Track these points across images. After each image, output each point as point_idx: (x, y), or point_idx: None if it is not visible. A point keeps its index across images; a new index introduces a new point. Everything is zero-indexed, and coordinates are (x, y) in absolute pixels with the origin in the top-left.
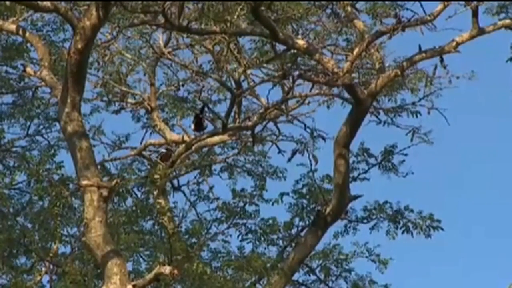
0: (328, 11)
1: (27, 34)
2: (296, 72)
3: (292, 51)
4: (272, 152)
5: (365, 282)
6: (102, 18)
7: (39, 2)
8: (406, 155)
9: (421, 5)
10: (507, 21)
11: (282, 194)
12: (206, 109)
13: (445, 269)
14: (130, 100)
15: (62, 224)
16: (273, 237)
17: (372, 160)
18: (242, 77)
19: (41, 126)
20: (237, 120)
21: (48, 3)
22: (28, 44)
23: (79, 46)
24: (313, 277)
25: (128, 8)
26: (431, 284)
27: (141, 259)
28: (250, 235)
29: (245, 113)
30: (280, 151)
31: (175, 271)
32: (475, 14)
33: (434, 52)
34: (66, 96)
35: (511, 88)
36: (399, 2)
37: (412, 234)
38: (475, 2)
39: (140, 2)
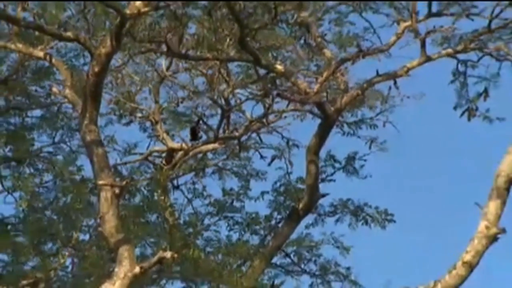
0: (301, 41)
1: (53, 59)
2: (275, 92)
3: (272, 74)
4: (255, 158)
5: (331, 265)
6: (115, 46)
7: (62, 33)
8: (365, 160)
9: (379, 37)
10: (450, 50)
11: (263, 193)
12: (200, 122)
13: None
14: (138, 114)
15: (82, 216)
16: (256, 228)
17: (337, 165)
18: (231, 96)
19: (65, 136)
20: (226, 131)
21: (70, 34)
22: (54, 68)
23: (96, 69)
24: (288, 261)
25: (137, 38)
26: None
27: (147, 246)
28: (236, 226)
29: (233, 125)
30: (261, 157)
31: (175, 256)
32: (423, 44)
33: (389, 76)
34: (85, 111)
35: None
36: (360, 34)
37: (370, 225)
38: (423, 35)
39: (147, 33)
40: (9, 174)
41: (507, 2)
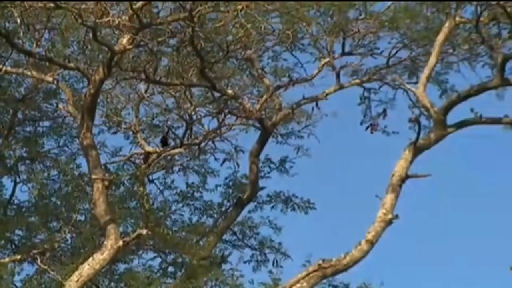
0: (247, 72)
1: (59, 83)
2: (227, 110)
3: (224, 97)
4: (210, 160)
5: (267, 241)
6: (106, 74)
7: (67, 63)
8: (294, 162)
9: (305, 70)
10: (358, 80)
11: (216, 186)
12: (169, 132)
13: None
14: (123, 126)
15: (79, 202)
16: (210, 213)
17: (272, 165)
18: (193, 113)
19: (67, 141)
20: (189, 139)
21: (72, 64)
22: (60, 90)
23: (92, 91)
24: (234, 237)
25: (123, 68)
26: (308, 243)
27: (128, 225)
28: (196, 211)
29: (194, 135)
30: (215, 159)
31: (149, 233)
32: (337, 76)
33: (312, 99)
34: (83, 122)
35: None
36: (291, 67)
37: (296, 211)
38: (337, 68)
39: (130, 65)
40: (24, 170)
41: (401, 45)
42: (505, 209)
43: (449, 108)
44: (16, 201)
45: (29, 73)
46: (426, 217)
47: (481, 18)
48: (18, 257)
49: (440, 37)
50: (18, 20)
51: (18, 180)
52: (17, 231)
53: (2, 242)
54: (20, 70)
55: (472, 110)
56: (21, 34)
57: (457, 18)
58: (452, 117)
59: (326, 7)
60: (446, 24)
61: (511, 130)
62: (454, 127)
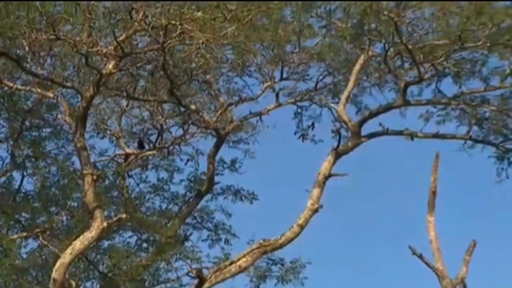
0: (206, 92)
1: (59, 98)
2: (190, 121)
3: (188, 111)
4: (177, 160)
5: (220, 224)
6: (96, 92)
7: (65, 83)
8: (242, 163)
9: (251, 91)
10: (292, 100)
11: (181, 180)
12: (145, 138)
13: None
14: (108, 132)
15: (73, 192)
16: (176, 201)
17: (225, 165)
18: (164, 123)
19: (64, 144)
20: (160, 144)
21: (69, 84)
22: (59, 103)
23: (84, 105)
24: (195, 221)
25: (109, 87)
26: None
27: (111, 210)
28: (165, 200)
29: (165, 140)
30: (181, 159)
31: (128, 216)
32: (277, 96)
33: (257, 114)
34: (77, 129)
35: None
36: (240, 89)
37: (243, 201)
38: (277, 90)
39: (115, 84)
40: (30, 166)
41: (326, 73)
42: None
43: (363, 122)
44: (23, 190)
45: (34, 90)
46: (347, 206)
47: (388, 53)
48: (24, 234)
49: (357, 67)
50: (27, 48)
51: (25, 174)
52: (23, 214)
53: (12, 222)
54: (28, 88)
55: (380, 124)
56: (29, 59)
57: (370, 53)
58: (366, 129)
59: (268, 42)
60: (361, 57)
61: (410, 140)
62: (366, 137)
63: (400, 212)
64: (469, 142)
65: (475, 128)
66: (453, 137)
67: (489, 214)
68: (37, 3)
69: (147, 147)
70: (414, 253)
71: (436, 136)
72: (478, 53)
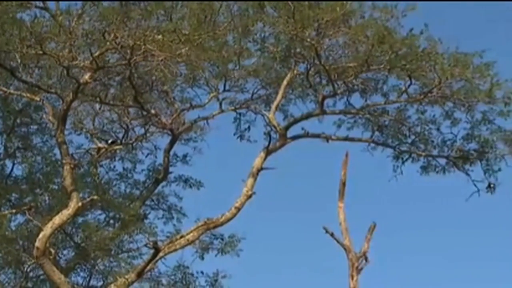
0: (163, 100)
1: (44, 101)
2: (150, 123)
3: (149, 114)
4: (139, 153)
5: (173, 205)
6: (74, 97)
7: (49, 89)
8: (191, 157)
9: (200, 99)
10: (233, 107)
11: (142, 170)
12: (113, 136)
13: None
14: (84, 130)
15: (54, 177)
16: (138, 186)
17: (178, 159)
18: (130, 123)
19: (48, 138)
20: (126, 140)
21: (53, 90)
22: (44, 106)
23: (65, 108)
24: (152, 203)
25: (85, 93)
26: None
27: (86, 193)
28: (129, 186)
29: (130, 137)
30: (142, 153)
31: (98, 198)
32: (220, 104)
33: (204, 118)
34: (58, 127)
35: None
36: (191, 97)
37: (192, 188)
38: (220, 99)
39: (90, 91)
40: (19, 155)
41: (260, 86)
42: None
43: (288, 127)
44: (13, 175)
45: (24, 95)
46: (276, 194)
47: (310, 72)
48: (13, 211)
49: (284, 82)
50: (19, 61)
51: (15, 162)
52: (13, 194)
53: (3, 201)
54: (19, 92)
55: (302, 129)
56: (20, 69)
57: (295, 71)
58: (291, 133)
59: (214, 60)
60: (288, 75)
61: (326, 142)
62: (291, 139)
63: (317, 198)
64: (372, 145)
65: (377, 133)
66: (360, 140)
67: (386, 202)
68: (28, 24)
69: (115, 142)
70: (327, 232)
71: (346, 139)
72: (380, 74)
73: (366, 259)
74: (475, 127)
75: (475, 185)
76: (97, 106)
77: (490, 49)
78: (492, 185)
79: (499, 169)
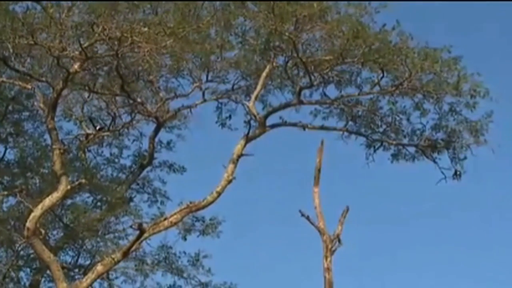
0: (149, 89)
1: (35, 90)
2: (136, 111)
3: (135, 102)
4: (126, 140)
5: (157, 189)
6: (64, 86)
7: (40, 78)
8: (174, 143)
9: (184, 89)
10: (215, 97)
11: (128, 155)
12: (102, 122)
13: None
14: (73, 117)
15: (45, 162)
16: (124, 171)
17: (162, 145)
18: (116, 111)
19: (39, 125)
20: (113, 127)
21: (44, 78)
22: (36, 93)
23: (55, 95)
24: (138, 186)
25: (74, 82)
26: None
27: (74, 177)
28: (116, 170)
29: (117, 124)
30: (128, 139)
31: (86, 182)
32: (203, 94)
33: (188, 107)
34: (49, 114)
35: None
36: (175, 88)
37: (175, 172)
38: (204, 89)
39: (80, 80)
40: (11, 140)
41: (241, 77)
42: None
43: (267, 116)
44: (6, 160)
45: (16, 83)
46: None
47: (288, 64)
48: (5, 193)
49: (264, 74)
50: (11, 50)
51: (7, 147)
52: (5, 177)
53: None
54: (11, 81)
55: (280, 118)
56: (13, 59)
57: (274, 64)
58: (270, 121)
59: (198, 52)
60: (268, 67)
61: (303, 130)
62: (270, 127)
63: (294, 184)
64: (346, 133)
65: (350, 123)
66: (334, 129)
67: (359, 186)
68: (20, 15)
69: (103, 129)
70: (302, 215)
71: (322, 128)
72: (355, 67)
73: (339, 241)
74: (443, 118)
75: (442, 172)
76: (86, 94)
77: (457, 45)
78: (458, 172)
79: (465, 158)
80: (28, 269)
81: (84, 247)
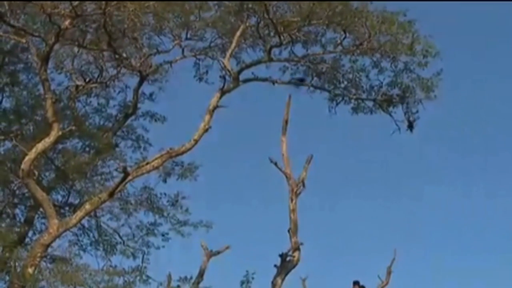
0: (133, 46)
1: (30, 44)
2: (122, 65)
3: (121, 57)
4: (112, 91)
5: (140, 137)
6: (56, 40)
7: (34, 33)
8: (156, 96)
9: (165, 46)
10: (192, 53)
11: (114, 105)
12: (90, 75)
13: None
14: (64, 69)
15: (38, 110)
16: (111, 119)
17: (145, 96)
18: (104, 65)
19: (33, 76)
20: (101, 79)
21: (37, 34)
22: (30, 47)
23: (47, 49)
24: (123, 134)
25: (65, 38)
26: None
27: (65, 124)
28: (103, 118)
29: (104, 77)
30: (115, 91)
31: (76, 128)
32: (183, 50)
33: (168, 62)
34: (41, 66)
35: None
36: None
37: (157, 121)
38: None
39: (70, 35)
40: (8, 90)
41: (217, 36)
42: None
43: (240, 71)
44: (2, 107)
45: (12, 37)
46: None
47: (260, 25)
48: (2, 137)
49: (238, 33)
50: (7, 7)
51: (4, 96)
52: (2, 123)
53: None
54: (7, 35)
55: (252, 73)
56: (8, 15)
57: (247, 24)
58: (243, 76)
59: (178, 12)
60: (241, 27)
61: (272, 85)
62: (243, 82)
63: (264, 134)
64: (311, 88)
65: (315, 79)
66: (301, 84)
67: (322, 136)
68: None
69: (92, 81)
70: (271, 162)
71: (290, 82)
72: (320, 28)
73: (303, 185)
74: (398, 75)
75: (396, 124)
76: (76, 49)
77: (412, 8)
78: (412, 121)
79: (417, 111)
80: (23, 207)
81: (74, 187)
